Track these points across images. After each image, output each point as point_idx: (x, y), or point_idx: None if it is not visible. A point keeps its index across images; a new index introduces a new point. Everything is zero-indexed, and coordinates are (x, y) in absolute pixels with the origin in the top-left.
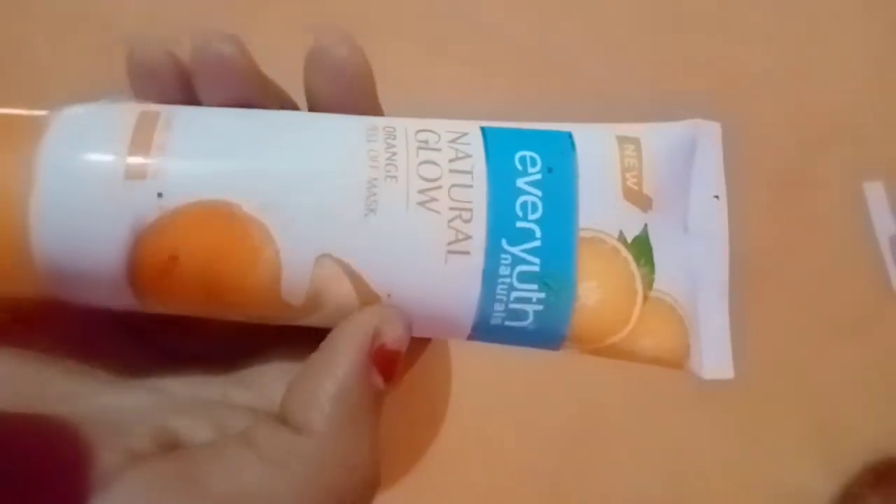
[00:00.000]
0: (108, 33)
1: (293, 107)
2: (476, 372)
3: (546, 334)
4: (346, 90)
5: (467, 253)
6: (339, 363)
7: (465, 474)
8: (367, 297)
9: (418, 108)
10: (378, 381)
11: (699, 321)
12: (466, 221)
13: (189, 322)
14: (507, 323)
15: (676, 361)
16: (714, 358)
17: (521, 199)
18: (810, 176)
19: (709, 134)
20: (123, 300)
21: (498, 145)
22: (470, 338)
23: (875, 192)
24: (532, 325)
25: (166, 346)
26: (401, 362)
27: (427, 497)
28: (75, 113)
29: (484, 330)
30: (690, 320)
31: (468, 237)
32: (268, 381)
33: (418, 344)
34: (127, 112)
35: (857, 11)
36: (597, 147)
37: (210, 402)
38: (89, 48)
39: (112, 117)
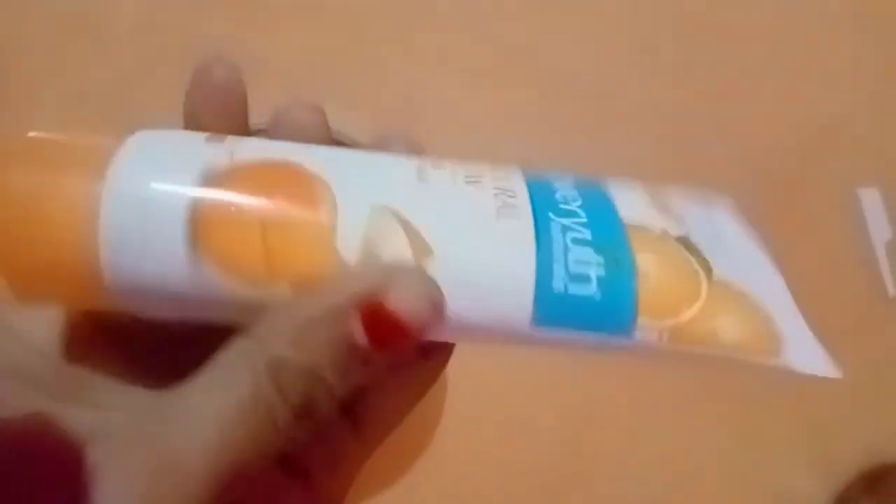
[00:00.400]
0: (103, 35)
1: None
2: (472, 373)
3: (615, 304)
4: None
5: (516, 217)
6: (323, 297)
7: (462, 476)
8: (421, 255)
9: (416, 114)
10: (358, 334)
11: (777, 319)
12: (511, 197)
13: (185, 343)
14: (572, 290)
15: (766, 346)
16: (810, 354)
17: (560, 192)
18: (805, 182)
19: (724, 204)
20: (185, 269)
21: (528, 170)
22: (535, 317)
23: (870, 198)
24: (598, 292)
25: (158, 368)
26: (400, 334)
27: (423, 498)
28: (145, 136)
29: (548, 300)
30: (768, 313)
31: (515, 207)
32: None
33: (442, 356)
34: (195, 134)
35: (850, 17)
36: (621, 183)
37: None
38: (85, 50)
39: (184, 135)
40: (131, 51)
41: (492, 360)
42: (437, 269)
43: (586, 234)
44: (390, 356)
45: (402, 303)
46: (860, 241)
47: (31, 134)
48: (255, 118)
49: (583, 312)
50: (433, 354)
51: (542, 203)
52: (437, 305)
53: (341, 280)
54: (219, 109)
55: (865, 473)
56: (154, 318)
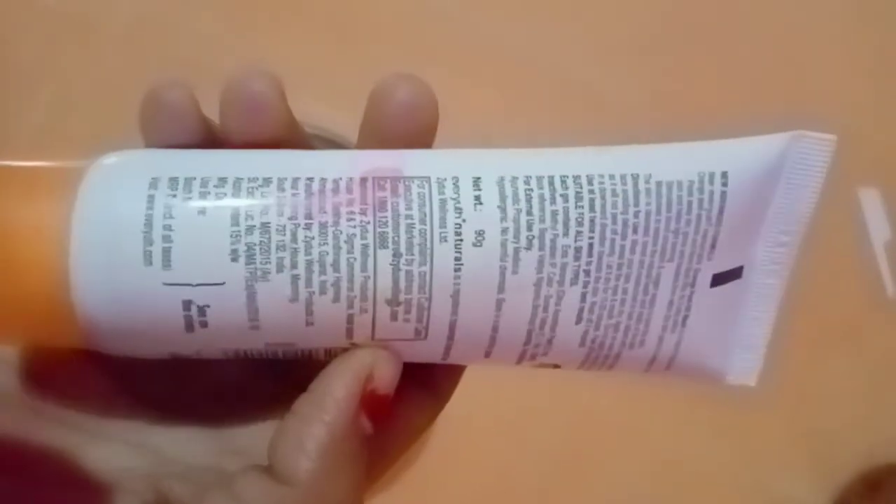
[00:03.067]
0: (97, 35)
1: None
2: (466, 376)
3: None
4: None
5: None
6: (328, 409)
7: (457, 479)
8: None
9: None
10: (367, 425)
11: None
12: None
13: (181, 374)
14: None
15: None
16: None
17: None
18: None
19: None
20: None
21: None
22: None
23: (870, 199)
24: None
25: (156, 397)
26: (389, 406)
27: (420, 501)
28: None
29: None
30: None
31: None
32: (261, 447)
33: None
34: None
35: (851, 16)
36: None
37: (203, 469)
38: (79, 50)
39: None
40: (126, 51)
41: (485, 366)
42: None
43: None
44: (379, 426)
45: (387, 382)
46: (860, 241)
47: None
48: None
49: None
50: (436, 389)
51: None
52: (400, 367)
53: (325, 383)
54: (179, 132)
55: (864, 477)
56: (137, 357)
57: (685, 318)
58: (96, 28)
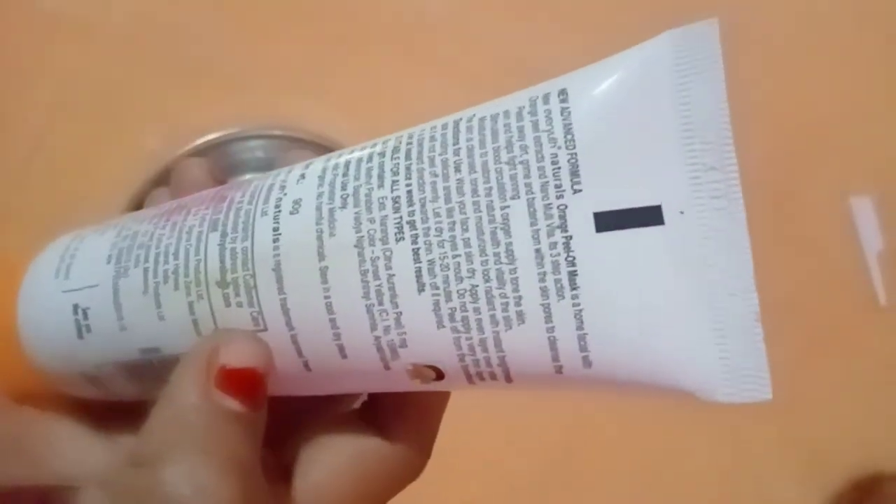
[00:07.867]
0: (94, 37)
1: None
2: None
3: None
4: None
5: None
6: (174, 393)
7: (455, 487)
8: None
9: (409, 120)
10: (230, 403)
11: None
12: None
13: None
14: None
15: None
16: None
17: None
18: (796, 190)
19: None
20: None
21: None
22: None
23: (862, 207)
24: None
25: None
26: (261, 381)
27: None
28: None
29: None
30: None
31: None
32: None
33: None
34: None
35: (844, 24)
36: None
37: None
38: (76, 52)
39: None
40: (124, 52)
41: None
42: None
43: None
44: (258, 402)
45: (239, 357)
46: (851, 250)
47: None
48: (247, 122)
49: None
50: (388, 430)
51: None
52: (262, 343)
53: (176, 377)
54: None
55: (856, 484)
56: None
57: (572, 274)
58: (94, 29)
